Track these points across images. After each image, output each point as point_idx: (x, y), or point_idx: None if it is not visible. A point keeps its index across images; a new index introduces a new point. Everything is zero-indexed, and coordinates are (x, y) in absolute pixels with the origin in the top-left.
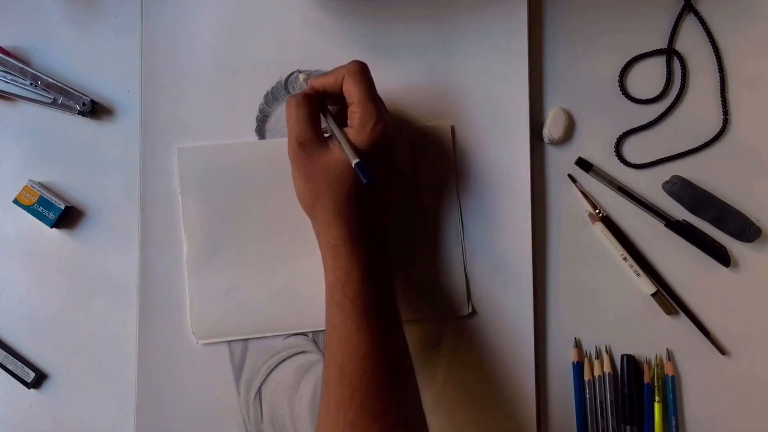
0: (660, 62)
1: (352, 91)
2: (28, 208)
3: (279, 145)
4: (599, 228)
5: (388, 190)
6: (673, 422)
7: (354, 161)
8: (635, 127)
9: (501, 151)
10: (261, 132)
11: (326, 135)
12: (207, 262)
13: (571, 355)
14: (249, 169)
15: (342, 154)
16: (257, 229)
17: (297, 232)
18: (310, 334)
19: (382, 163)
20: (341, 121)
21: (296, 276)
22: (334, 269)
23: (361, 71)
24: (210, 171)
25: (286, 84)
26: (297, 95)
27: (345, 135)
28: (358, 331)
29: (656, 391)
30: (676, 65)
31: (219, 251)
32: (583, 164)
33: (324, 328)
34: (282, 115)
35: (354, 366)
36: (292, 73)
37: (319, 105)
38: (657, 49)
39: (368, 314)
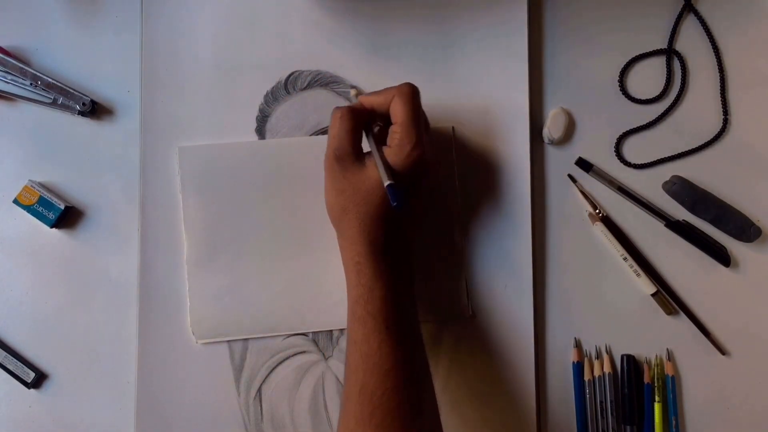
0: (660, 62)
1: (397, 112)
2: (28, 208)
3: (279, 145)
4: (599, 228)
5: (417, 212)
6: (673, 422)
7: (387, 182)
8: (635, 127)
9: (501, 152)
10: (261, 132)
11: (365, 151)
12: (207, 262)
13: (571, 355)
14: (249, 169)
15: (376, 173)
16: (257, 229)
17: (297, 232)
18: (310, 334)
19: (414, 186)
20: (382, 140)
21: (296, 276)
22: (357, 285)
23: (411, 94)
24: (211, 170)
25: (286, 84)
26: (343, 108)
27: (382, 154)
28: (380, 348)
29: (656, 391)
30: (676, 65)
31: (219, 251)
32: (583, 164)
33: (324, 329)
34: (282, 115)
35: (376, 383)
36: (293, 73)
37: (363, 121)
38: (657, 49)
39: (390, 331)
